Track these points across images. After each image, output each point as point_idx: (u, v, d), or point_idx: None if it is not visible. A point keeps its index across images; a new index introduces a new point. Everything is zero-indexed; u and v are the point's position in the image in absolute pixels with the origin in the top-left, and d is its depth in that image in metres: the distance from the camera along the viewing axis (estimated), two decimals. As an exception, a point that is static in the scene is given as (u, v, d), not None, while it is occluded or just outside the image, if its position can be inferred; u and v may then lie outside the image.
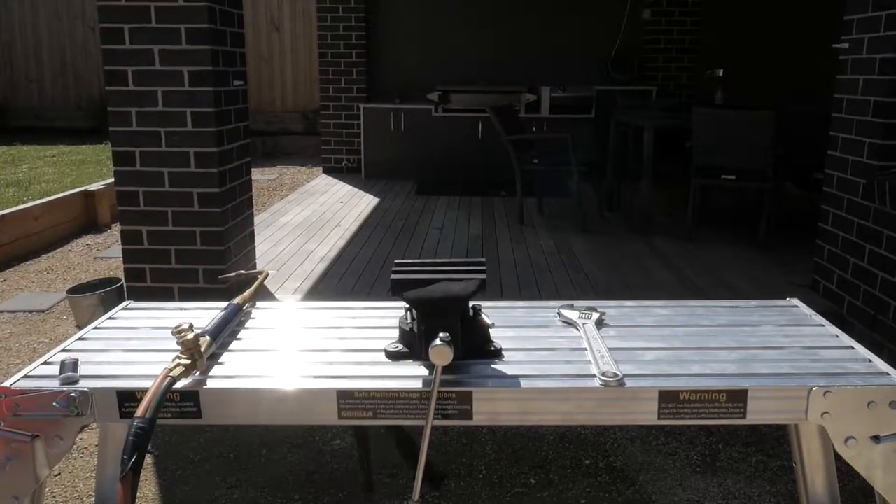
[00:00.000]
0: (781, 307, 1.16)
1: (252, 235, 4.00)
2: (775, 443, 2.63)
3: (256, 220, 4.44)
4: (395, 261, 0.98)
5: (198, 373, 0.91)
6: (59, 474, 2.45)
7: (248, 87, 3.93)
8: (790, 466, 1.05)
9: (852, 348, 0.99)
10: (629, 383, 0.87)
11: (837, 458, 0.92)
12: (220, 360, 0.98)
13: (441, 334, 0.83)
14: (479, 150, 7.24)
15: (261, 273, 1.28)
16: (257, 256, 4.13)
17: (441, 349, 0.82)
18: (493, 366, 0.92)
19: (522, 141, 5.65)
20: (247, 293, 1.15)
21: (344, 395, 0.87)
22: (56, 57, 11.08)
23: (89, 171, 7.96)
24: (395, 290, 0.90)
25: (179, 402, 0.90)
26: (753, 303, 1.17)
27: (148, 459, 2.52)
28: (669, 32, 7.52)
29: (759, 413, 0.86)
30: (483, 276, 0.92)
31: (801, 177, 5.03)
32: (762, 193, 4.62)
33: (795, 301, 1.18)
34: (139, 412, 0.80)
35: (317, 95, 8.29)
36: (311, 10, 9.03)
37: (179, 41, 3.31)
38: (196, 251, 3.50)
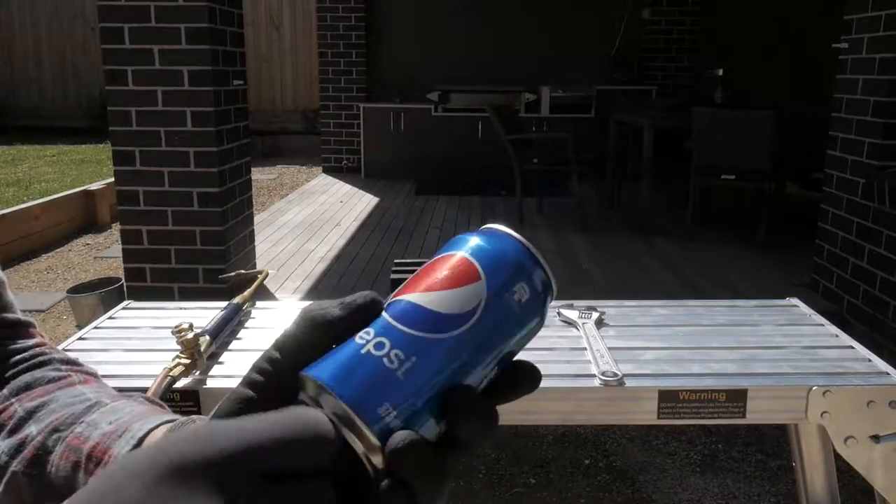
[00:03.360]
0: (781, 307, 1.16)
1: (252, 235, 4.00)
2: (775, 442, 2.63)
3: (256, 219, 4.44)
4: (395, 260, 0.98)
5: (198, 372, 0.91)
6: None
7: (247, 86, 3.93)
8: (790, 466, 1.05)
9: (852, 348, 0.99)
10: (629, 383, 0.87)
11: (837, 457, 0.92)
12: (220, 360, 0.98)
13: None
14: (479, 150, 7.24)
15: (261, 273, 1.28)
16: (257, 256, 4.13)
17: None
18: (492, 365, 0.92)
19: (522, 141, 5.65)
20: (247, 293, 1.15)
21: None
22: (56, 57, 11.08)
23: (89, 170, 7.97)
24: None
25: (179, 401, 0.90)
26: (753, 302, 1.17)
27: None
28: (669, 32, 7.52)
29: (758, 412, 0.86)
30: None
31: (801, 177, 5.03)
32: (762, 193, 4.62)
33: (795, 301, 1.18)
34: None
35: (317, 95, 8.29)
36: (311, 10, 9.02)
37: (179, 41, 3.31)
38: (196, 251, 3.50)
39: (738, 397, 0.86)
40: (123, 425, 0.49)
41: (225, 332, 1.02)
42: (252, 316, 1.14)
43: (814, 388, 0.85)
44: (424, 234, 5.15)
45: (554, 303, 1.12)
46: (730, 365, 0.92)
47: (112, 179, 4.13)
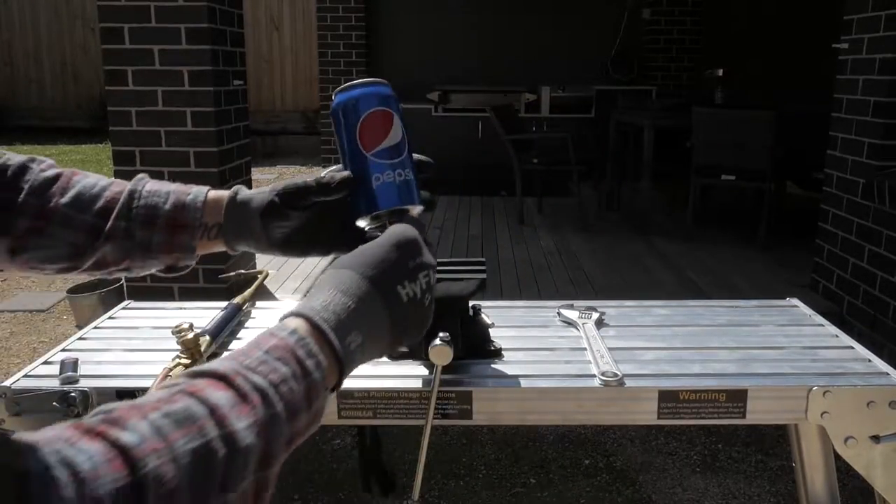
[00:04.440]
0: (781, 307, 1.16)
1: (252, 235, 3.98)
2: (775, 442, 2.63)
3: (256, 219, 4.43)
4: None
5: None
6: (58, 474, 2.45)
7: (247, 86, 3.92)
8: (790, 466, 1.05)
9: (852, 348, 0.99)
10: (629, 383, 0.87)
11: (837, 458, 0.92)
12: (220, 360, 0.98)
13: (441, 334, 0.83)
14: (479, 150, 7.23)
15: (261, 273, 1.28)
16: (257, 256, 4.13)
17: (441, 349, 0.82)
18: (493, 366, 0.92)
19: (522, 141, 5.65)
20: (247, 293, 1.15)
21: (343, 395, 0.87)
22: (56, 57, 11.08)
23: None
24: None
25: (179, 401, 0.89)
26: (753, 302, 1.17)
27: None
28: (669, 32, 7.52)
29: (758, 413, 0.86)
30: (483, 275, 0.92)
31: (801, 177, 5.03)
32: (762, 193, 4.63)
33: (795, 301, 1.18)
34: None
35: (317, 95, 8.29)
36: (311, 10, 9.02)
37: (179, 41, 3.31)
38: (196, 251, 3.50)
39: (738, 397, 0.86)
40: (178, 198, 0.80)
41: (225, 332, 1.02)
42: (252, 316, 1.14)
43: (814, 388, 0.85)
44: (424, 234, 5.14)
45: (554, 303, 1.12)
46: (730, 365, 0.92)
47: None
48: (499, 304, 1.14)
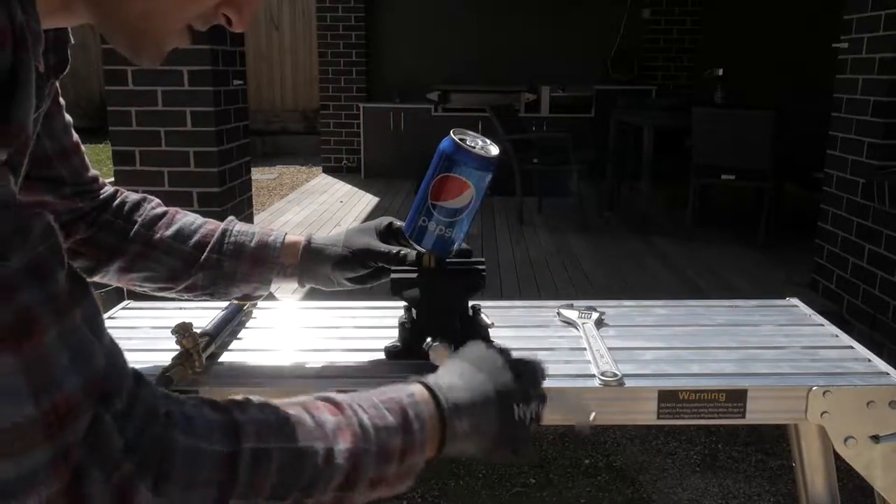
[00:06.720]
0: (781, 307, 1.16)
1: (252, 235, 3.98)
2: (775, 442, 2.63)
3: (256, 220, 4.44)
4: (395, 260, 0.98)
5: (197, 372, 0.91)
6: (58, 474, 2.45)
7: (247, 86, 3.92)
8: (790, 466, 1.05)
9: (852, 348, 0.99)
10: (628, 383, 0.87)
11: (837, 457, 0.92)
12: (220, 360, 0.98)
13: (440, 335, 0.84)
14: (478, 149, 7.22)
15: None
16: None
17: (440, 349, 0.82)
18: (492, 365, 0.92)
19: (522, 141, 5.65)
20: (247, 293, 1.15)
21: (343, 395, 0.87)
22: (56, 57, 11.06)
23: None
24: (395, 290, 0.91)
25: (179, 401, 0.89)
26: (753, 302, 1.17)
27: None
28: (669, 32, 7.52)
29: (758, 413, 0.86)
30: (483, 275, 0.92)
31: (801, 177, 5.02)
32: (762, 193, 4.62)
33: (795, 301, 1.18)
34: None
35: (317, 95, 8.29)
36: (311, 10, 9.02)
37: (179, 41, 3.30)
38: (196, 251, 3.49)
39: (737, 397, 0.86)
40: (261, 238, 0.95)
41: (225, 332, 1.02)
42: (253, 316, 1.14)
43: (814, 388, 0.85)
44: (424, 234, 5.14)
45: (554, 302, 1.12)
46: (729, 365, 0.92)
47: (112, 179, 4.12)
48: (498, 304, 1.14)
